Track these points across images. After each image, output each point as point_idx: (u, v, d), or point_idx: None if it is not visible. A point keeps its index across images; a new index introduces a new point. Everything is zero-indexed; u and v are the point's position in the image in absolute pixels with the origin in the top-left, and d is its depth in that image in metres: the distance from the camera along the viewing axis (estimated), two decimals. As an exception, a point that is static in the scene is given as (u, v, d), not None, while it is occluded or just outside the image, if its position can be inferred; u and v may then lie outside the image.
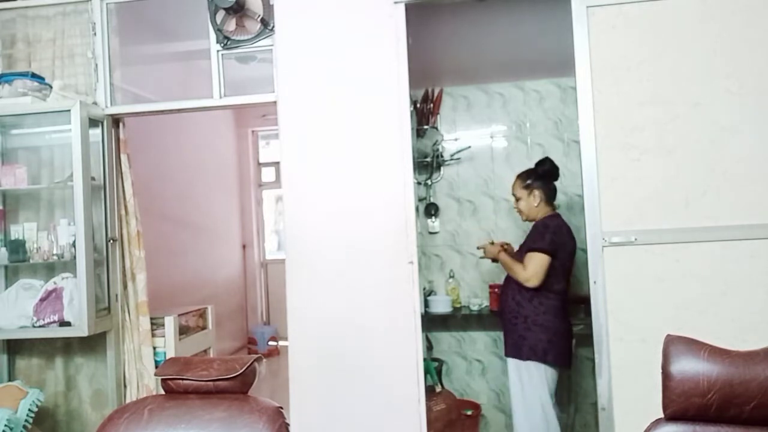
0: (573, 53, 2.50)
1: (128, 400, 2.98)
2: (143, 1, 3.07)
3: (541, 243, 2.83)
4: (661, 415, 1.40)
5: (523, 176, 3.03)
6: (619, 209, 2.45)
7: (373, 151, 2.64)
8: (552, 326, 2.83)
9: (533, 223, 2.99)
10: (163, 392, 1.73)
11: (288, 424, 1.62)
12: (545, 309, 2.84)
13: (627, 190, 2.45)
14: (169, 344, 3.24)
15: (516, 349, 2.89)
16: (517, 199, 3.03)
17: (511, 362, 2.93)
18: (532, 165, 3.11)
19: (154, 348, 3.15)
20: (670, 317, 2.38)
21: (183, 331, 3.49)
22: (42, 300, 2.85)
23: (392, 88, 2.63)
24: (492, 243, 3.20)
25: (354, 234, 2.63)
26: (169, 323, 3.26)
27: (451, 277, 3.97)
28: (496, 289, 3.71)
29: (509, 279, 2.98)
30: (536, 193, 2.97)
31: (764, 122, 2.38)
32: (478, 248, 3.30)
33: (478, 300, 3.86)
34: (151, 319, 3.13)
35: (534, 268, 2.81)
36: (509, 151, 3.99)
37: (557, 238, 2.85)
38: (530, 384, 2.85)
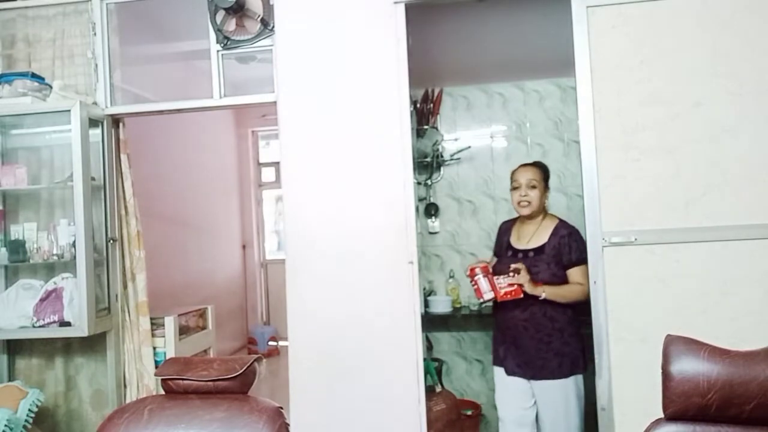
0: (573, 53, 2.50)
1: (128, 400, 2.98)
2: (143, 1, 3.07)
3: (584, 252, 2.53)
4: (661, 415, 1.40)
5: (545, 169, 2.74)
6: (619, 209, 2.45)
7: (373, 151, 2.64)
8: (582, 333, 2.63)
9: (562, 231, 2.61)
10: (163, 392, 1.73)
11: (288, 424, 1.62)
12: (575, 317, 2.62)
13: (627, 190, 2.45)
14: (169, 344, 3.24)
15: (555, 368, 2.57)
16: (532, 187, 2.65)
17: (549, 384, 2.59)
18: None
19: (154, 348, 3.15)
20: (670, 317, 2.38)
21: (183, 331, 3.49)
22: (42, 300, 2.85)
23: (392, 88, 2.63)
24: (514, 273, 2.58)
25: (354, 234, 2.63)
26: (169, 323, 3.26)
27: (451, 277, 3.97)
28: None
29: (529, 295, 2.56)
30: (548, 192, 2.73)
31: (764, 122, 2.37)
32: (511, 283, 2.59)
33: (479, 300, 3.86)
34: (151, 319, 3.13)
35: (587, 281, 2.52)
36: (509, 151, 3.99)
37: None
38: (575, 400, 2.59)
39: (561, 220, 2.69)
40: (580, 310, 2.61)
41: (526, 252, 2.68)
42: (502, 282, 2.59)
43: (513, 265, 2.58)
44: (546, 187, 2.70)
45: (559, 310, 2.58)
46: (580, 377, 2.61)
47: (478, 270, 2.64)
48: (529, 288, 2.54)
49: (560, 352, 2.57)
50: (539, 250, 2.64)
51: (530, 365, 2.63)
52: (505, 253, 2.77)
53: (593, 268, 2.46)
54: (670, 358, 1.37)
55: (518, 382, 2.68)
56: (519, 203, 2.69)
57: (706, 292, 2.38)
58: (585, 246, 2.52)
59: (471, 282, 2.67)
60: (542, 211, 2.71)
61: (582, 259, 2.55)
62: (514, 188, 2.72)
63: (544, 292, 2.54)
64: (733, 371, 1.32)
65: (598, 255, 2.45)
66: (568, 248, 2.59)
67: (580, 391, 2.62)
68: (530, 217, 2.70)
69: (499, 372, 2.77)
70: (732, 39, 2.40)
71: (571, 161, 3.83)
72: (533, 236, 2.69)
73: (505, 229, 2.86)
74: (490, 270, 2.66)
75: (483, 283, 2.63)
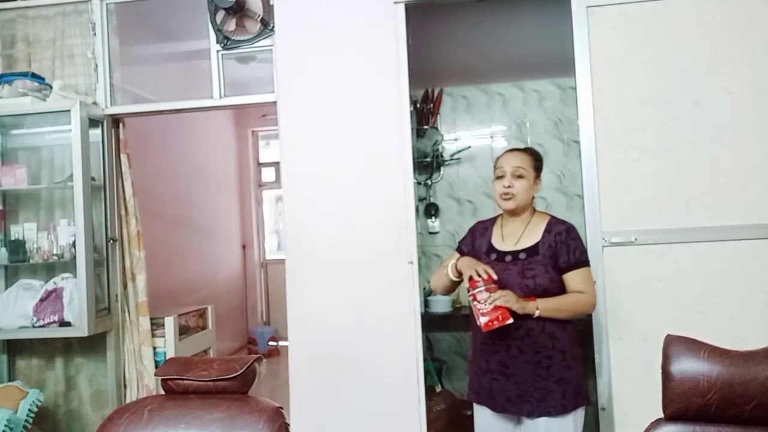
0: (573, 53, 2.50)
1: (128, 400, 2.98)
2: (143, 1, 3.07)
3: (585, 252, 2.15)
4: (661, 415, 1.40)
5: (537, 155, 2.22)
6: (619, 209, 2.45)
7: (373, 151, 2.64)
8: (583, 354, 2.15)
9: (557, 227, 2.13)
10: (163, 392, 1.73)
11: (288, 424, 1.62)
12: (576, 334, 2.13)
13: (627, 190, 2.45)
14: (169, 344, 3.24)
15: (557, 400, 2.02)
16: (519, 177, 2.13)
17: (547, 423, 2.03)
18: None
19: (154, 348, 3.16)
20: (670, 317, 2.39)
21: (183, 331, 3.49)
22: (42, 300, 2.85)
23: (392, 88, 2.63)
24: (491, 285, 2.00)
25: (354, 234, 2.63)
26: (169, 323, 3.26)
27: (451, 277, 3.96)
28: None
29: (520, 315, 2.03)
30: (539, 184, 2.21)
31: (764, 122, 2.38)
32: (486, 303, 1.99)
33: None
34: (151, 319, 3.13)
35: (594, 288, 2.12)
36: (509, 151, 3.99)
37: None
38: None
39: (553, 216, 2.21)
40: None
41: (515, 254, 2.13)
42: (484, 307, 1.97)
43: (499, 291, 2.00)
44: (537, 178, 2.19)
45: (560, 325, 2.07)
46: (582, 412, 2.09)
47: (480, 284, 1.99)
48: (518, 306, 1.99)
49: (562, 378, 2.04)
50: (532, 251, 2.11)
51: (525, 398, 2.05)
52: (486, 258, 2.18)
53: (593, 267, 2.45)
54: (670, 358, 1.37)
55: (506, 423, 2.14)
56: (502, 195, 2.16)
57: (706, 292, 2.38)
58: (584, 245, 2.16)
59: (469, 296, 2.02)
60: (529, 206, 2.20)
61: (584, 261, 2.12)
62: (498, 177, 2.19)
63: (538, 308, 2.03)
64: (733, 371, 1.31)
65: (598, 255, 2.45)
66: (566, 247, 2.09)
67: (581, 427, 2.10)
68: (515, 213, 2.18)
69: (482, 412, 2.17)
70: (732, 39, 2.41)
71: (571, 161, 3.83)
72: (522, 236, 2.16)
73: (483, 229, 2.28)
74: (495, 278, 2.01)
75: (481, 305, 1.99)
